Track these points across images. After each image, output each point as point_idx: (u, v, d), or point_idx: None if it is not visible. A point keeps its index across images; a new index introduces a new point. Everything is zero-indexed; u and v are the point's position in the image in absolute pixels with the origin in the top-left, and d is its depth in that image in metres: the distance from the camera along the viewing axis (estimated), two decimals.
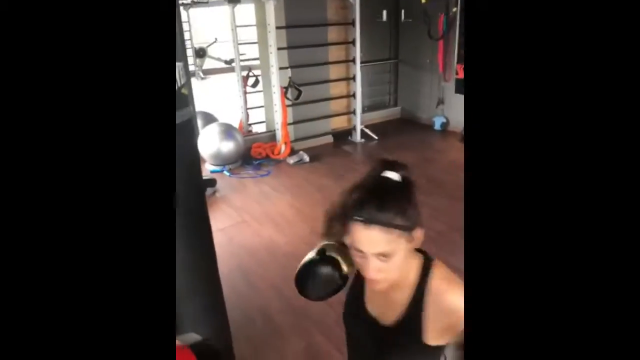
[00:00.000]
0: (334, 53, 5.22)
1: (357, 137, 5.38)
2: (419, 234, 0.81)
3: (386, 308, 0.90)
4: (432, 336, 0.84)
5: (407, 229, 0.77)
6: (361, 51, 5.09)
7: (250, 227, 3.49)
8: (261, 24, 4.75)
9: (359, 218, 0.76)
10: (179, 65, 1.26)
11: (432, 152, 5.06)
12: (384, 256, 0.78)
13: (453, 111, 5.55)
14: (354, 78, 5.23)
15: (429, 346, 0.85)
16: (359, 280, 0.95)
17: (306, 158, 4.77)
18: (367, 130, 5.41)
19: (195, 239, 1.46)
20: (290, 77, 4.75)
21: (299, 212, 3.71)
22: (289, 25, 4.65)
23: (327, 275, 0.93)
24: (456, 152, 4.87)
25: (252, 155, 4.87)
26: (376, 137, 5.38)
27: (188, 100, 1.34)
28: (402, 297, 0.87)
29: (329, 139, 5.39)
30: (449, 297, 0.82)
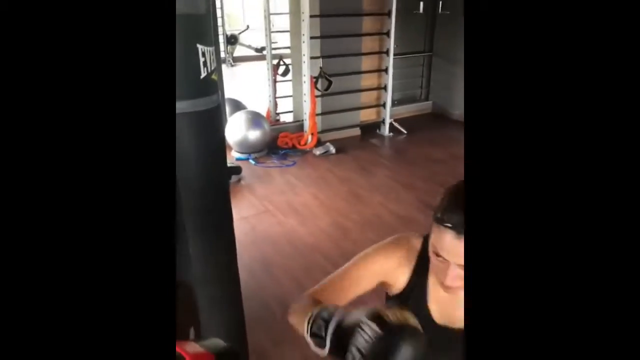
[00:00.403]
0: (367, 44, 5.12)
1: (386, 131, 5.28)
2: None
3: (454, 310, 0.83)
4: None
5: None
6: (395, 43, 4.97)
7: (274, 217, 3.47)
8: (295, 12, 4.69)
9: (449, 225, 0.71)
10: (209, 50, 1.23)
11: (460, 149, 4.86)
12: None
13: None
14: (386, 70, 5.12)
15: None
16: (420, 283, 0.87)
17: (332, 150, 4.71)
18: (396, 124, 5.31)
19: (214, 227, 1.43)
20: (321, 67, 4.69)
21: (322, 204, 3.67)
22: (323, 14, 4.56)
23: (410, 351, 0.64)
24: None
25: (278, 144, 4.85)
26: (405, 132, 5.27)
27: (217, 86, 1.31)
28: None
29: (357, 131, 5.32)
30: None
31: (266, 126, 4.57)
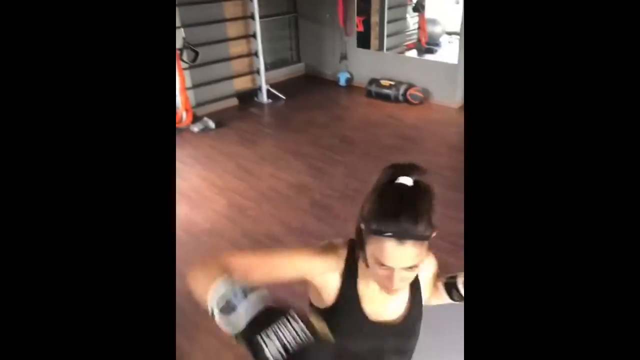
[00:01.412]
0: (230, 9, 4.84)
1: (264, 98, 5.17)
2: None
3: (386, 303, 0.88)
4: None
5: (429, 236, 0.73)
6: (259, 5, 4.79)
7: None
8: None
9: (389, 234, 0.70)
10: None
11: (340, 110, 5.07)
12: (411, 268, 0.74)
13: (356, 66, 5.57)
14: (254, 35, 4.93)
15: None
16: (351, 279, 0.86)
17: (212, 125, 4.47)
18: (273, 90, 5.22)
19: None
20: (184, 38, 4.32)
21: (212, 184, 3.50)
22: None
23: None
24: (363, 109, 4.94)
25: None
26: (283, 97, 5.22)
27: None
28: (404, 292, 0.90)
29: (234, 101, 5.11)
30: (431, 263, 0.96)
31: None
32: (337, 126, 4.50)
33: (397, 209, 0.70)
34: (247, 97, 5.21)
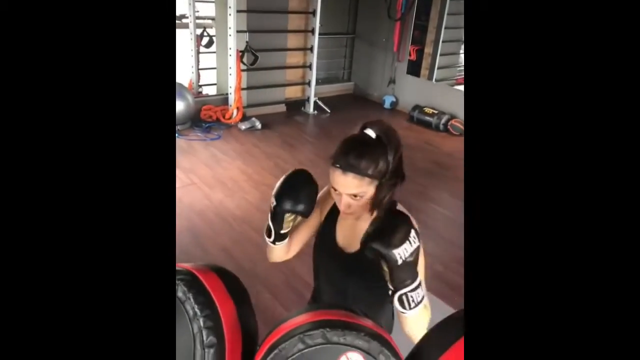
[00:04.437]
0: (294, 22, 5.17)
1: (310, 109, 5.43)
2: (390, 183, 0.97)
3: (352, 239, 1.09)
4: None
5: (376, 177, 0.94)
6: (320, 23, 5.08)
7: (200, 190, 3.47)
8: None
9: (337, 165, 0.94)
10: None
11: None
12: (355, 196, 0.96)
13: (403, 91, 5.75)
14: (311, 49, 5.23)
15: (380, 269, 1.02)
16: (332, 219, 1.14)
17: (258, 125, 4.75)
18: (320, 103, 5.47)
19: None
20: (247, 42, 4.65)
21: (249, 178, 3.74)
22: None
23: (314, 187, 1.00)
24: (403, 131, 5.07)
25: (201, 117, 4.76)
26: (328, 110, 5.46)
27: None
28: (364, 228, 1.03)
29: (282, 107, 5.39)
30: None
31: (189, 98, 4.46)
32: None
33: (348, 148, 0.94)
34: (295, 106, 5.49)
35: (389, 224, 0.85)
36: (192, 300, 0.57)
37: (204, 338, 0.56)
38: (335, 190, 0.97)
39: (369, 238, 0.84)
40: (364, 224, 1.04)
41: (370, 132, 0.95)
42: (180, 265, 0.64)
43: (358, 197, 0.96)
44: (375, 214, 1.04)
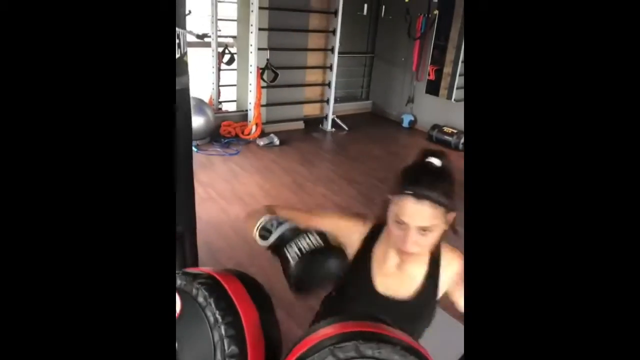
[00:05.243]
0: (314, 40, 5.24)
1: (328, 126, 5.44)
2: (451, 216, 0.88)
3: (401, 285, 0.96)
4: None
5: (449, 208, 0.85)
6: (340, 41, 5.14)
7: (217, 204, 3.48)
8: (244, 2, 4.67)
9: (409, 192, 0.83)
10: (182, 32, 1.26)
11: (398, 147, 5.21)
12: (425, 230, 0.85)
13: (421, 110, 5.73)
14: (330, 67, 5.28)
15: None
16: (363, 262, 0.98)
17: (276, 141, 4.78)
18: (338, 120, 5.49)
19: (179, 205, 1.46)
20: (268, 59, 4.72)
21: (267, 193, 3.73)
22: (272, 6, 4.61)
23: (337, 267, 0.81)
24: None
25: (221, 133, 4.81)
26: (346, 128, 5.47)
27: (188, 69, 1.34)
28: (420, 272, 0.95)
29: (300, 124, 5.42)
30: (457, 262, 0.95)
31: (210, 113, 4.52)
32: (393, 161, 4.64)
33: (418, 175, 0.86)
34: (313, 123, 5.51)
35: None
36: (213, 306, 0.54)
37: (226, 347, 0.53)
38: (402, 223, 0.84)
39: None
40: (418, 267, 0.95)
41: (436, 161, 0.87)
42: (201, 269, 0.61)
43: (427, 232, 0.85)
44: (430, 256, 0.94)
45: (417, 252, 0.88)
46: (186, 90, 1.35)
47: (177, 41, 1.24)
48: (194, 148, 4.41)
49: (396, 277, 0.97)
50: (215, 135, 4.73)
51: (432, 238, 0.87)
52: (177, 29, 1.23)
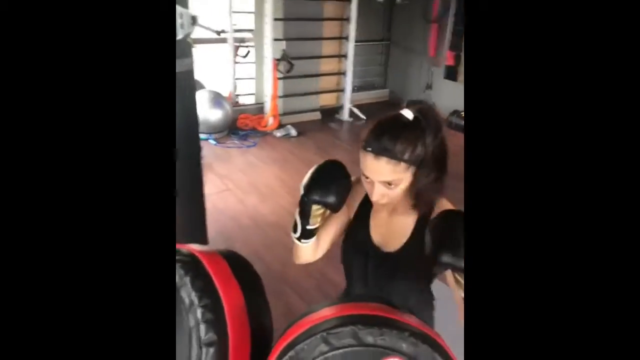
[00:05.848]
0: (328, 29, 5.19)
1: (345, 116, 5.40)
2: (427, 173, 0.87)
3: (390, 236, 0.98)
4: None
5: (412, 163, 0.84)
6: (355, 30, 5.08)
7: (235, 196, 3.50)
8: None
9: (369, 149, 0.84)
10: (185, 12, 1.26)
11: None
12: (390, 184, 0.86)
13: (440, 97, 5.61)
14: (346, 56, 5.22)
15: (426, 271, 0.95)
16: (364, 214, 1.02)
17: (293, 132, 4.77)
18: (355, 110, 5.43)
19: (187, 195, 1.47)
20: (284, 50, 4.71)
21: (284, 184, 3.74)
22: None
23: (347, 180, 0.90)
24: None
25: (238, 126, 4.84)
26: (364, 117, 5.41)
27: (191, 50, 1.34)
28: (407, 225, 0.96)
29: (317, 115, 5.40)
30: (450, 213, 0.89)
31: (228, 107, 4.55)
32: None
33: (382, 130, 0.84)
34: (330, 113, 5.47)
35: (449, 228, 0.73)
36: (189, 285, 0.47)
37: (202, 334, 0.46)
38: (367, 177, 0.87)
39: (434, 249, 0.73)
40: (404, 219, 0.96)
41: (407, 113, 0.85)
42: (184, 245, 0.55)
43: (392, 186, 0.86)
44: (419, 211, 0.94)
45: (386, 203, 0.91)
46: (190, 72, 1.35)
47: (179, 21, 1.24)
48: (212, 141, 4.45)
49: (386, 229, 1.00)
50: (232, 128, 4.76)
51: (398, 190, 0.88)
52: (178, 7, 1.23)
